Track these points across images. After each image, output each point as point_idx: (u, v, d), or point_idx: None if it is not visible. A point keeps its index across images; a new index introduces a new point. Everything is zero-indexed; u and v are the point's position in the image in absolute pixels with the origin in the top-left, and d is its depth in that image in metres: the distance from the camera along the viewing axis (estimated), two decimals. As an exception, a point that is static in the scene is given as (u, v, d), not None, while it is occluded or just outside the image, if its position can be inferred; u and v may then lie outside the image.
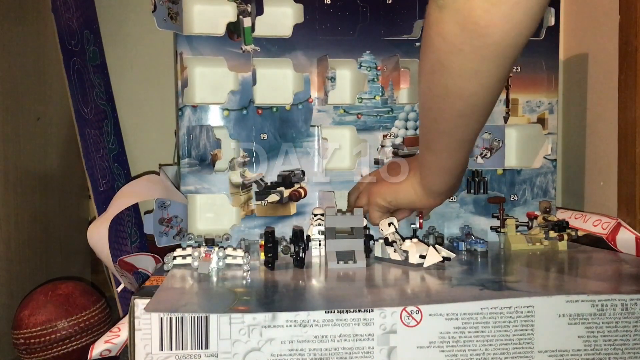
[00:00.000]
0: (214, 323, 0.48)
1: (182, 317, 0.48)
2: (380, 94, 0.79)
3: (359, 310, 0.49)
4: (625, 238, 0.73)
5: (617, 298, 0.51)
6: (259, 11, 0.77)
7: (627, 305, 0.51)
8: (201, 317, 0.48)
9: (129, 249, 0.93)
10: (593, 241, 0.77)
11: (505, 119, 0.81)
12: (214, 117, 0.77)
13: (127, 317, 0.50)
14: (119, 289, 0.75)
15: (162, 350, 0.48)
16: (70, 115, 0.87)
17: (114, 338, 0.57)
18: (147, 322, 0.49)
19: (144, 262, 0.75)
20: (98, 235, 0.68)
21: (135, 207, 1.00)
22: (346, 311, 0.49)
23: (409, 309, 0.49)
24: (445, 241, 0.78)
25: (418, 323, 0.49)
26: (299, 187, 0.78)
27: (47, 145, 0.94)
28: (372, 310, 0.49)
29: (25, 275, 0.86)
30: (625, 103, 0.77)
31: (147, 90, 1.10)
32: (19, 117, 0.86)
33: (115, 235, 0.89)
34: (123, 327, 0.58)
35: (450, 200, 0.80)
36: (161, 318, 0.48)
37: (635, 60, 0.74)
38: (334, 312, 0.49)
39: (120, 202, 0.72)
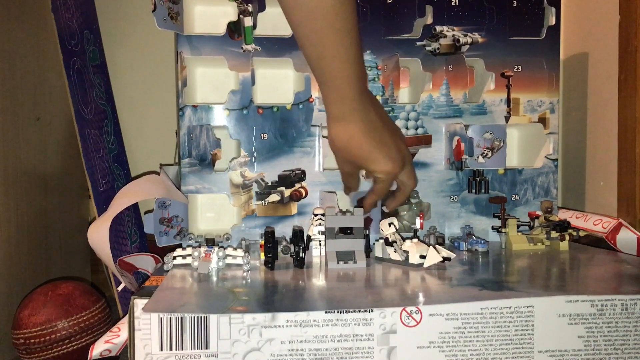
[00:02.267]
0: (213, 323, 0.48)
1: (181, 317, 0.48)
2: (380, 93, 0.79)
3: (359, 311, 0.49)
4: (626, 238, 0.73)
5: (617, 298, 0.51)
6: (261, 7, 0.77)
7: (627, 305, 0.51)
8: (201, 317, 0.48)
9: (129, 249, 0.93)
10: (594, 241, 0.77)
11: (507, 119, 0.81)
12: (215, 117, 0.77)
13: (127, 317, 0.50)
14: (119, 289, 0.75)
15: (161, 350, 0.48)
16: (70, 115, 0.87)
17: (114, 338, 0.57)
18: (146, 322, 0.49)
19: (144, 262, 0.75)
20: (98, 235, 0.68)
21: (135, 207, 1.00)
22: (346, 311, 0.49)
23: (408, 309, 0.49)
24: (446, 241, 0.77)
25: (418, 323, 0.49)
26: (300, 187, 0.78)
27: (47, 145, 0.94)
28: (372, 311, 0.49)
29: (25, 275, 0.86)
30: (625, 103, 0.77)
31: (147, 90, 1.10)
32: (19, 117, 0.86)
33: (115, 235, 0.89)
34: (123, 327, 0.58)
35: (451, 200, 0.80)
36: (161, 318, 0.48)
37: (635, 60, 0.74)
38: (333, 312, 0.49)
39: (121, 202, 0.72)
